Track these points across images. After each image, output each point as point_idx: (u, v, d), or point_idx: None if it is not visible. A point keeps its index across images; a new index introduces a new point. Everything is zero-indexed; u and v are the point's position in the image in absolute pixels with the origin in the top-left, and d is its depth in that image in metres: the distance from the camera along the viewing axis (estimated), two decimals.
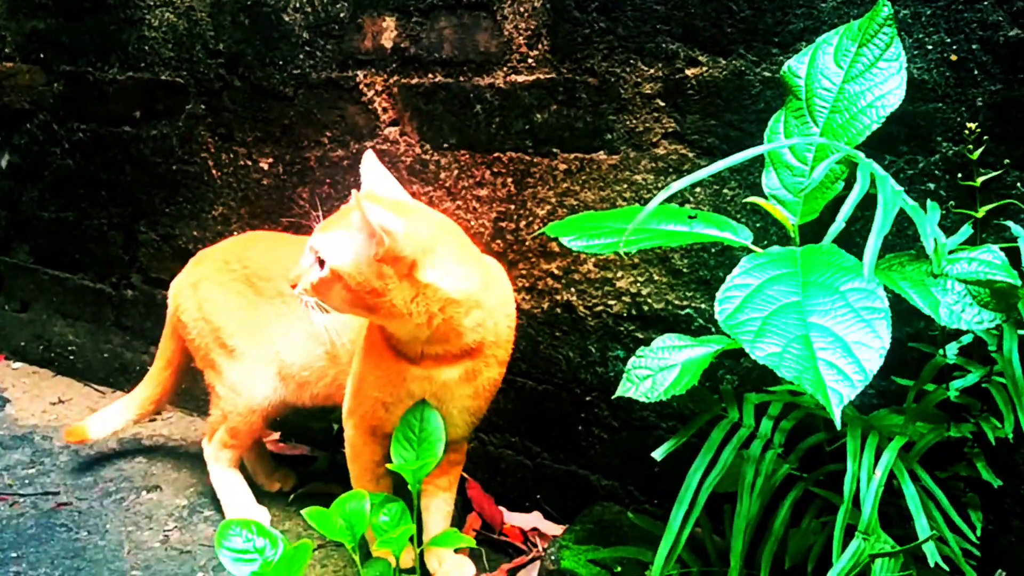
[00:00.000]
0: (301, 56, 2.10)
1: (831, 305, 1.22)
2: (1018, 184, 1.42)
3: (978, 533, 1.47)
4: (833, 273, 1.27)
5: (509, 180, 1.88)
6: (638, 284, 1.79)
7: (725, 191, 1.67)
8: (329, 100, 2.08)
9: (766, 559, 1.46)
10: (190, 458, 2.23)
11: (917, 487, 1.37)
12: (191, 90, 2.31)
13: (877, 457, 1.35)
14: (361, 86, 2.03)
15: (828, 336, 1.19)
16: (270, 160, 2.22)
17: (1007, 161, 1.43)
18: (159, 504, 2.05)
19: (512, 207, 1.89)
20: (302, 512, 1.55)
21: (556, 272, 1.87)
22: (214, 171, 2.32)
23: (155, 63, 2.36)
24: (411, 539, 1.62)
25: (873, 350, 1.16)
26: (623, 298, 1.81)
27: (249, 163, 2.26)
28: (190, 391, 2.41)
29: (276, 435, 2.32)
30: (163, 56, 2.34)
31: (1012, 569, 1.45)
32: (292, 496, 2.05)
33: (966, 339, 1.45)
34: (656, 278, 1.77)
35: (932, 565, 1.30)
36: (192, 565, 1.82)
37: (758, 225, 1.64)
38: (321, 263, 1.46)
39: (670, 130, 1.70)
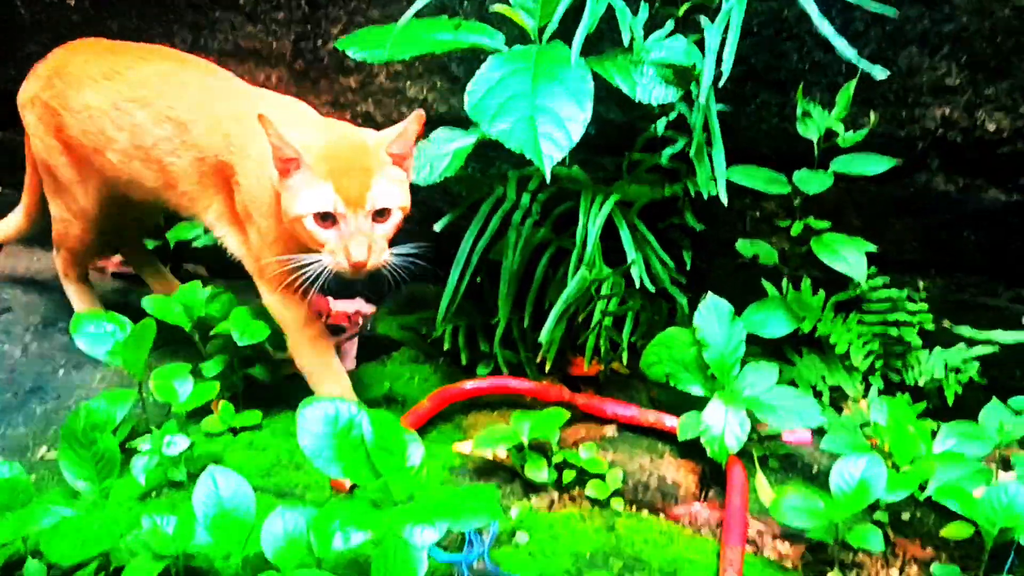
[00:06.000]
0: None
1: (552, 90, 1.55)
2: None
3: (688, 267, 1.92)
4: (557, 65, 1.59)
5: (303, 1, 2.08)
6: (424, 91, 2.07)
7: (487, 3, 1.94)
8: None
9: (530, 302, 1.85)
10: (38, 286, 2.41)
11: (637, 235, 1.77)
12: None
13: None
14: None
15: (548, 114, 1.52)
16: None
17: None
18: (15, 322, 2.26)
19: (309, 27, 2.10)
20: (142, 301, 1.82)
21: (354, 85, 2.12)
22: None
23: None
24: None
25: (578, 123, 1.51)
26: (413, 104, 2.09)
27: None
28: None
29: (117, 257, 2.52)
30: None
31: (716, 291, 1.88)
32: None
33: (673, 115, 1.82)
34: (439, 85, 2.05)
35: (637, 285, 1.72)
36: (53, 365, 2.07)
37: (516, 33, 1.93)
38: (383, 213, 1.56)
39: None
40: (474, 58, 2.00)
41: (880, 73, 1.54)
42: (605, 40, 1.80)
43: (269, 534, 1.19)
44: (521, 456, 1.59)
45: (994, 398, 1.65)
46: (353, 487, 1.55)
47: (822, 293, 1.86)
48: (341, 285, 2.33)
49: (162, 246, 2.38)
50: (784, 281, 1.88)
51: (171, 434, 1.57)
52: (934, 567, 1.41)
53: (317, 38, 2.11)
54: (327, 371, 1.75)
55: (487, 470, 1.63)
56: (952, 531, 1.42)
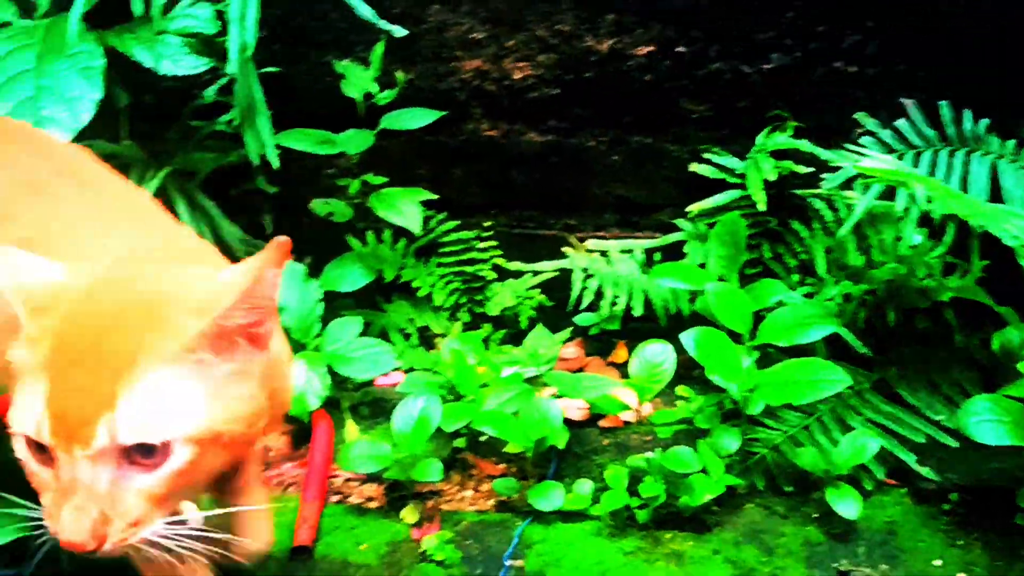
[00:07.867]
0: None
1: (59, 68, 1.46)
2: None
3: (269, 231, 1.91)
4: (66, 41, 1.49)
5: None
6: None
7: None
8: None
9: None
10: None
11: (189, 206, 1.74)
12: None
13: None
14: None
15: (53, 95, 1.44)
16: None
17: None
18: None
19: None
20: None
21: None
22: None
23: None
24: None
25: (88, 100, 1.44)
26: None
27: None
28: None
29: None
30: None
31: (307, 251, 1.88)
32: None
33: (225, 80, 1.78)
34: None
35: None
36: None
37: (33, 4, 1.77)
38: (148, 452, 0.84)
39: None
40: None
41: (399, 32, 1.61)
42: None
43: None
44: None
45: (539, 324, 1.83)
46: None
47: (403, 242, 1.94)
48: None
49: None
50: (369, 234, 1.93)
51: None
52: (495, 483, 1.55)
53: None
54: None
55: None
56: (510, 447, 1.57)
